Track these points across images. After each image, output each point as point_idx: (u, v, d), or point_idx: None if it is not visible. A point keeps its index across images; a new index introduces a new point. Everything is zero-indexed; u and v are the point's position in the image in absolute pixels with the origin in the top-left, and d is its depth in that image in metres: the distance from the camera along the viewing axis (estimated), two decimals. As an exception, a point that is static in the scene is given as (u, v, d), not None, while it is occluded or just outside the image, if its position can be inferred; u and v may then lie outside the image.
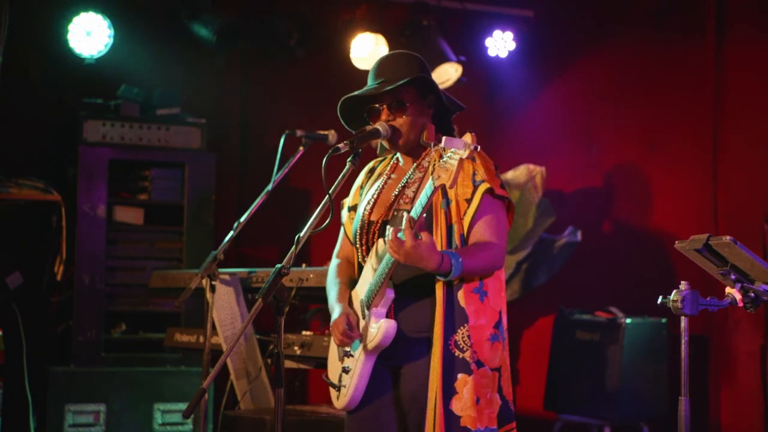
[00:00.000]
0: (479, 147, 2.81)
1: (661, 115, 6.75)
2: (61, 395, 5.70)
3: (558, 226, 6.76)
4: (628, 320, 6.08)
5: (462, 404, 3.02)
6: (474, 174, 3.10)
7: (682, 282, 2.86)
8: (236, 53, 6.55)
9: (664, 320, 6.15)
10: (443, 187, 2.96)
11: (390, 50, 6.65)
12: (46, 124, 6.30)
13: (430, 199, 2.91)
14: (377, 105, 3.21)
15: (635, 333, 6.09)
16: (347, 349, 3.20)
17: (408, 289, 3.12)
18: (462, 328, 3.05)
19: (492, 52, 7.12)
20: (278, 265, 3.00)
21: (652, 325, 6.15)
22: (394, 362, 3.17)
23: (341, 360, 3.23)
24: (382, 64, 3.26)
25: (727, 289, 2.93)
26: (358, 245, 3.25)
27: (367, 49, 6.67)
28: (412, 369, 3.13)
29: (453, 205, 3.09)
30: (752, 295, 2.89)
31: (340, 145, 3.12)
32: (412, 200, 3.16)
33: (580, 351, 6.26)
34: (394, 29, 6.85)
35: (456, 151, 2.80)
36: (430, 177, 2.90)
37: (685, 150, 6.59)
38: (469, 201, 3.09)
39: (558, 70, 7.42)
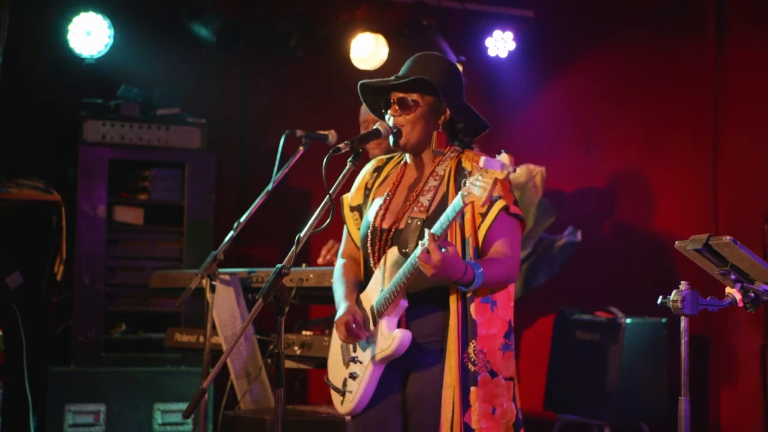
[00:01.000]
0: (516, 169, 2.83)
1: (661, 115, 6.75)
2: (61, 395, 5.70)
3: (558, 226, 6.76)
4: (628, 320, 6.08)
5: (476, 417, 3.04)
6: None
7: (682, 282, 2.86)
8: (236, 53, 6.55)
9: (664, 320, 6.15)
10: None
11: (390, 50, 6.67)
12: (46, 124, 6.29)
13: (457, 215, 2.92)
14: (390, 98, 3.20)
15: (635, 333, 6.09)
16: (354, 354, 3.18)
17: (420, 298, 3.12)
18: (473, 341, 3.07)
19: (492, 52, 7.12)
20: (278, 265, 3.00)
21: (652, 325, 6.15)
22: (405, 366, 3.16)
23: (346, 365, 3.22)
24: (418, 59, 3.24)
25: (727, 289, 2.93)
26: (369, 251, 3.22)
27: (367, 49, 6.67)
28: (420, 375, 3.14)
29: (468, 218, 3.11)
30: (752, 295, 2.89)
31: (340, 145, 3.12)
32: (428, 208, 3.14)
33: (580, 351, 6.25)
34: (394, 29, 6.85)
35: (491, 171, 2.81)
36: (459, 194, 2.90)
37: (685, 150, 6.58)
38: (484, 215, 3.11)
39: (558, 70, 7.42)
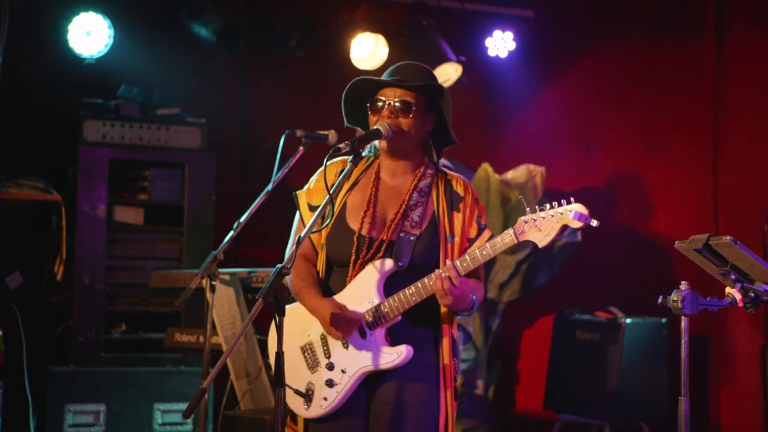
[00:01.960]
0: (597, 223, 2.87)
1: (661, 115, 6.75)
2: (61, 395, 5.70)
3: (558, 226, 6.75)
4: (628, 320, 6.08)
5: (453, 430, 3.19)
6: (479, 217, 3.23)
7: (682, 282, 2.87)
8: (236, 53, 6.55)
9: (664, 320, 6.16)
10: (451, 221, 3.13)
11: (390, 50, 6.67)
12: (46, 124, 6.29)
13: (500, 250, 3.03)
14: (382, 100, 3.21)
15: (635, 333, 6.09)
16: (331, 360, 3.17)
17: (410, 314, 3.16)
18: (455, 358, 3.20)
19: (492, 52, 7.12)
20: (278, 265, 2.99)
21: (652, 325, 6.15)
22: (378, 377, 3.18)
23: (313, 369, 3.20)
24: (403, 67, 3.27)
25: (727, 289, 2.94)
26: (353, 257, 3.20)
27: (367, 49, 6.67)
28: (402, 377, 3.15)
29: (457, 240, 3.18)
30: (752, 295, 2.89)
31: (341, 146, 3.12)
32: (419, 225, 3.18)
33: (580, 351, 6.26)
34: (394, 29, 6.85)
35: (559, 216, 2.85)
36: (512, 231, 2.98)
37: (685, 150, 6.58)
38: (471, 241, 3.20)
39: (558, 70, 7.42)
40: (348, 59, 6.66)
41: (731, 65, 6.34)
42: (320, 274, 3.28)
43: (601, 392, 6.08)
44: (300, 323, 3.26)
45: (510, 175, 6.71)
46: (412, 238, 3.14)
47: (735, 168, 6.31)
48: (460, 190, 3.18)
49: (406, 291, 3.08)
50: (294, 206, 3.41)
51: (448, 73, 6.85)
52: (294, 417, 3.27)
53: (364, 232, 3.20)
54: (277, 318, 2.97)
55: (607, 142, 7.07)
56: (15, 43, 4.99)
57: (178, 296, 4.31)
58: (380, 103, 3.21)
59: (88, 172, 5.91)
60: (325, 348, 3.20)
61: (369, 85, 3.25)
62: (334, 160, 3.30)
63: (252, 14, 6.70)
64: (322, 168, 3.26)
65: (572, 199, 2.88)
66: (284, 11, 6.62)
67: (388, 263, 3.13)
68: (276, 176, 4.22)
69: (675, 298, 2.86)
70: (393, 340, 3.14)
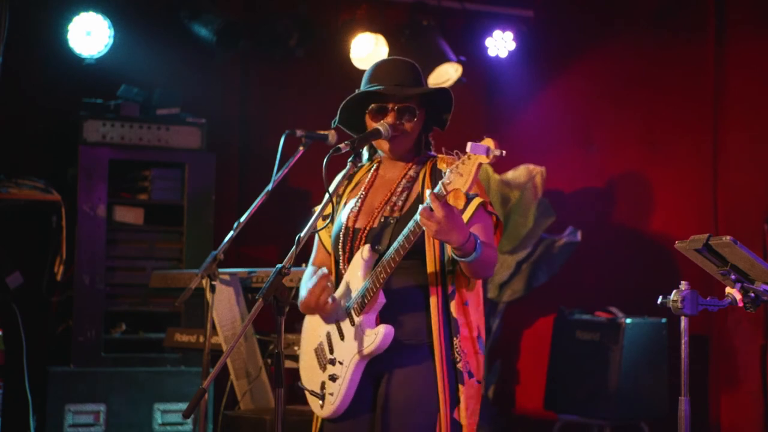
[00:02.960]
0: (504, 153, 2.79)
1: (661, 115, 6.75)
2: (61, 395, 5.70)
3: (558, 226, 6.76)
4: (628, 320, 6.08)
5: (462, 413, 3.08)
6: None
7: (682, 282, 2.87)
8: (236, 53, 6.55)
9: (664, 320, 6.15)
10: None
11: (390, 50, 6.67)
12: (46, 124, 6.30)
13: (440, 192, 2.86)
14: (385, 106, 3.21)
15: (635, 333, 6.09)
16: (332, 356, 3.18)
17: (398, 297, 3.12)
18: (456, 338, 3.09)
19: (492, 52, 7.12)
20: (279, 265, 2.99)
21: (652, 325, 6.15)
22: (381, 368, 3.15)
23: (323, 368, 3.21)
24: (392, 68, 3.25)
25: (727, 289, 2.94)
26: (340, 252, 3.21)
27: (367, 49, 6.67)
28: (404, 374, 3.12)
29: None
30: (752, 295, 2.89)
31: (341, 146, 3.12)
32: (401, 208, 3.15)
33: (580, 351, 6.26)
34: (394, 29, 6.85)
35: (474, 156, 2.79)
36: (440, 183, 2.86)
37: (685, 150, 6.58)
38: (461, 212, 3.06)
39: (558, 70, 7.42)
40: (348, 59, 6.66)
41: (731, 65, 6.34)
42: (334, 276, 3.28)
43: (601, 392, 6.07)
44: (314, 327, 3.29)
45: (510, 175, 6.71)
46: (391, 221, 3.12)
47: (735, 168, 6.30)
48: (443, 166, 3.01)
49: (376, 267, 3.04)
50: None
51: (448, 73, 6.85)
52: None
53: (350, 224, 3.21)
54: (277, 318, 2.97)
55: (607, 142, 7.07)
56: (15, 43, 4.98)
57: (178, 296, 4.31)
58: (383, 111, 3.21)
59: (88, 172, 5.91)
60: (329, 345, 3.21)
61: (368, 93, 3.24)
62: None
63: (252, 14, 6.70)
64: (338, 176, 3.30)
65: (484, 136, 2.81)
66: (284, 11, 6.63)
67: (365, 249, 3.13)
68: (276, 176, 4.22)
69: (675, 298, 2.86)
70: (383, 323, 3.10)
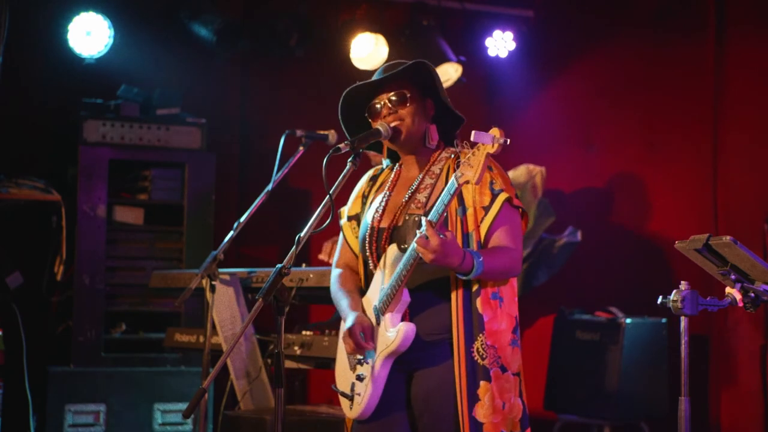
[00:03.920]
0: (509, 141, 2.80)
1: (661, 115, 6.75)
2: (61, 395, 5.70)
3: (558, 226, 6.76)
4: (628, 320, 6.08)
5: (485, 411, 3.04)
6: (492, 182, 3.11)
7: (682, 282, 2.87)
8: (236, 53, 6.55)
9: (664, 320, 6.15)
10: (460, 194, 3.00)
11: (390, 50, 6.67)
12: (46, 124, 6.30)
13: (452, 197, 2.91)
14: (378, 103, 3.22)
15: (635, 333, 6.08)
16: (359, 356, 3.17)
17: (423, 293, 3.11)
18: (481, 335, 3.07)
19: (492, 52, 7.12)
20: (278, 265, 2.99)
21: (652, 325, 6.15)
22: (409, 366, 3.15)
23: (353, 369, 3.20)
24: (387, 66, 3.26)
25: (727, 289, 2.93)
26: (367, 252, 3.22)
27: (367, 49, 6.67)
28: (427, 373, 3.12)
29: (470, 212, 3.10)
30: (752, 295, 2.89)
31: (341, 146, 3.12)
32: (425, 204, 3.15)
33: (580, 351, 6.25)
34: (394, 29, 6.85)
35: (482, 146, 2.80)
36: (453, 176, 2.89)
37: (685, 150, 6.58)
38: (486, 209, 3.09)
39: (558, 70, 7.42)
40: (348, 59, 6.66)
41: (731, 65, 6.33)
42: (362, 277, 3.29)
43: (601, 392, 6.07)
44: None
45: (510, 174, 6.66)
46: (416, 218, 3.12)
47: (735, 168, 6.30)
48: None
49: (399, 265, 3.04)
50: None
51: (448, 73, 6.85)
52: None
53: (375, 224, 3.21)
54: (277, 318, 2.97)
55: (607, 142, 7.07)
56: (15, 43, 4.99)
57: (178, 296, 4.31)
58: (377, 106, 3.22)
59: (88, 172, 5.91)
60: None
61: (360, 96, 3.25)
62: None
63: (252, 14, 6.70)
64: (363, 178, 3.35)
65: (495, 127, 2.82)
66: (284, 11, 6.62)
67: (391, 249, 3.13)
68: (276, 176, 4.22)
69: (675, 298, 2.86)
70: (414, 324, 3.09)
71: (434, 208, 2.96)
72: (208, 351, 4.24)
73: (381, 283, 3.14)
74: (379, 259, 3.18)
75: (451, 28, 7.05)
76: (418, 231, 2.93)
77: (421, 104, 3.22)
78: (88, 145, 5.93)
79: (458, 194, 3.02)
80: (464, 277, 3.02)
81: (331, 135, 4.37)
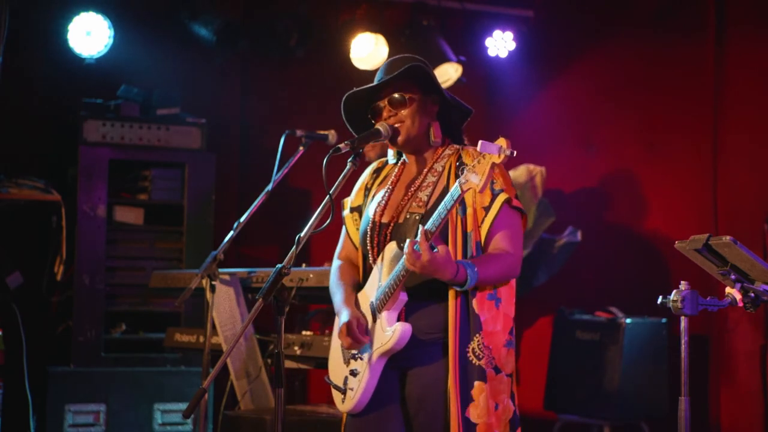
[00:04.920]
0: (515, 152, 2.80)
1: (661, 115, 6.75)
2: (61, 395, 5.70)
3: (558, 226, 6.76)
4: (628, 320, 6.08)
5: (478, 411, 3.04)
6: (493, 182, 3.10)
7: (682, 282, 2.87)
8: (236, 53, 6.55)
9: (664, 320, 6.15)
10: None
11: (390, 50, 6.67)
12: (46, 124, 6.30)
13: (455, 203, 2.91)
14: (379, 103, 3.22)
15: (635, 333, 6.09)
16: (354, 351, 3.17)
17: (420, 292, 3.11)
18: (477, 335, 3.06)
19: (492, 52, 7.12)
20: (279, 265, 2.99)
21: (652, 325, 6.15)
22: (403, 364, 3.15)
23: (347, 363, 3.20)
24: (386, 66, 3.27)
25: (727, 289, 2.93)
26: (368, 247, 3.22)
27: (367, 49, 6.67)
28: (421, 372, 3.12)
29: (470, 212, 3.10)
30: (752, 295, 2.89)
31: (341, 145, 3.12)
32: (426, 203, 3.15)
33: (580, 351, 6.25)
34: (394, 29, 6.85)
35: (488, 156, 2.80)
36: (457, 182, 2.90)
37: (685, 150, 6.58)
38: (487, 209, 3.10)
39: (558, 70, 7.42)
40: (348, 59, 6.66)
41: (731, 65, 6.33)
42: (361, 270, 3.29)
43: (601, 392, 6.07)
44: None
45: (510, 174, 6.70)
46: (417, 217, 3.12)
47: (735, 168, 6.30)
48: (468, 160, 3.08)
49: (398, 265, 3.03)
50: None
51: (448, 73, 6.85)
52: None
53: (377, 218, 3.22)
54: (277, 318, 2.97)
55: (607, 142, 7.07)
56: (15, 43, 4.99)
57: (178, 296, 4.31)
58: (380, 105, 3.22)
59: (88, 172, 5.91)
60: None
61: (360, 99, 3.25)
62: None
63: (252, 14, 6.70)
64: (367, 170, 3.36)
65: (500, 136, 2.83)
66: (284, 11, 6.63)
67: (390, 247, 3.13)
68: (276, 176, 4.22)
69: (675, 298, 2.86)
70: (410, 323, 3.09)
71: (436, 212, 2.96)
72: (208, 351, 4.24)
73: (378, 279, 3.14)
74: (378, 254, 3.19)
75: (451, 28, 7.05)
76: (406, 243, 2.93)
77: (422, 103, 3.22)
78: (88, 145, 5.93)
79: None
80: (459, 288, 3.03)
81: (331, 135, 4.37)
